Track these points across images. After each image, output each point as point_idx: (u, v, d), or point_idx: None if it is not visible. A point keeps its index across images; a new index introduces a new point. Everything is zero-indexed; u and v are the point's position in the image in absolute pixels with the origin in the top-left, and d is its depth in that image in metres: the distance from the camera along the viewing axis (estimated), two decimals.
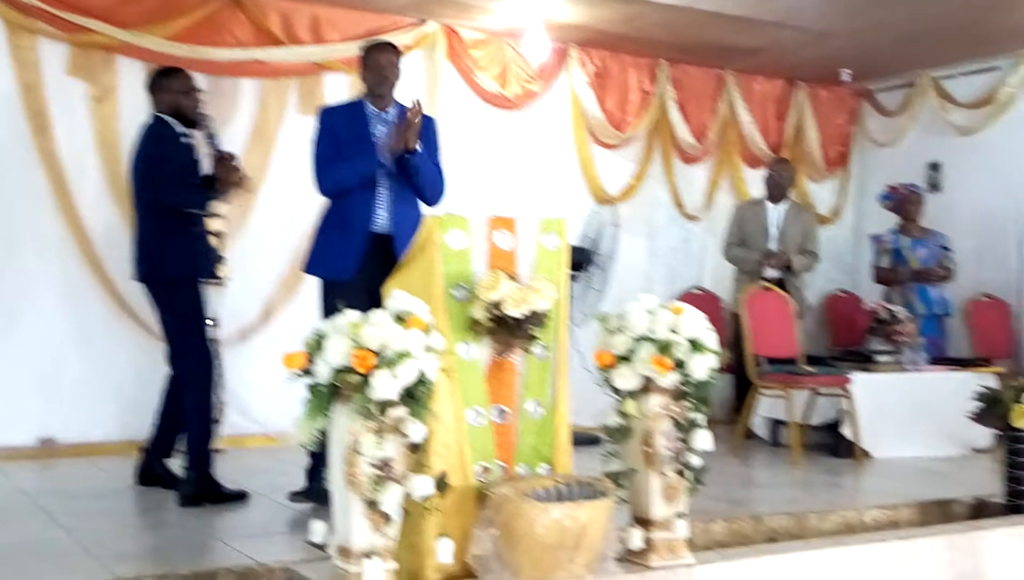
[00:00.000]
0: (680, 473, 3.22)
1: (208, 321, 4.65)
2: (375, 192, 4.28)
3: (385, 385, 2.65)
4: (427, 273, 3.14)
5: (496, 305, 3.07)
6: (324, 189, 4.33)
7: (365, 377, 2.66)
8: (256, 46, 6.38)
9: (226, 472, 4.66)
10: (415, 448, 2.75)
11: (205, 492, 4.42)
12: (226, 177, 4.48)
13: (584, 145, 7.59)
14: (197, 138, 4.64)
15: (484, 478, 3.11)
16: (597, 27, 7.02)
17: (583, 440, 5.43)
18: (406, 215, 4.29)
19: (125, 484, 4.78)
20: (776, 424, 6.70)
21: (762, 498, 4.97)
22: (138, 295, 5.02)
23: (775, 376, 6.05)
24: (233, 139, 6.25)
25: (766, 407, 6.52)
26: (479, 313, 3.10)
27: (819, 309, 8.18)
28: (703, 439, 3.25)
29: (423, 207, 4.41)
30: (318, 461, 4.02)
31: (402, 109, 4.38)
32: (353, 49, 5.40)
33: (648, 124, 7.80)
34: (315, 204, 4.48)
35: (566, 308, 3.36)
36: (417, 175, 4.27)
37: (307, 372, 2.75)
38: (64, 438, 5.73)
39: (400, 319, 2.75)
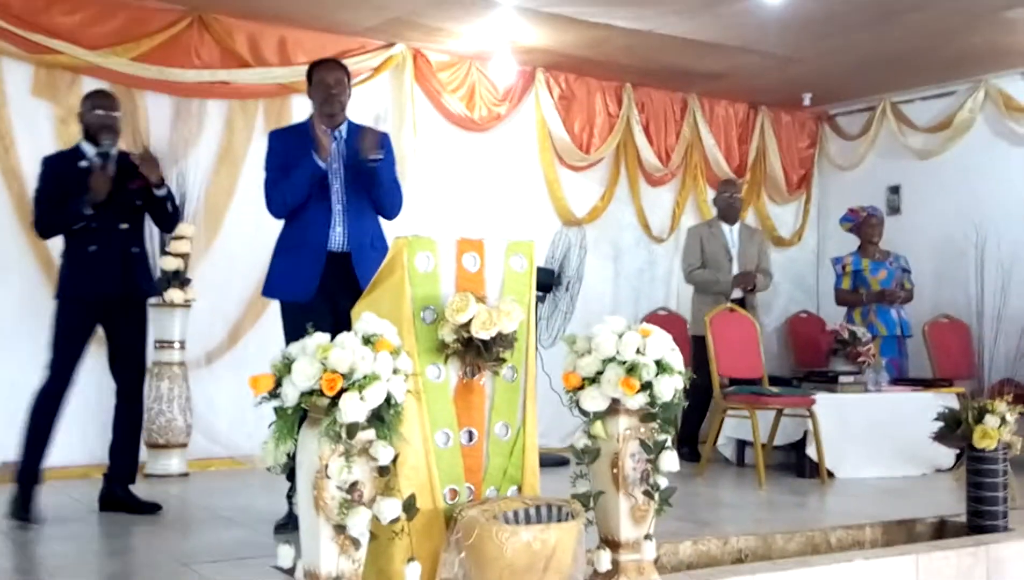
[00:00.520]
0: (648, 494, 3.23)
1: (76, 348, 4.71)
2: (329, 210, 4.25)
3: (353, 408, 2.64)
4: (395, 295, 3.14)
5: (465, 327, 3.07)
6: (273, 209, 4.32)
7: (333, 400, 2.65)
8: (223, 67, 6.37)
9: (192, 495, 4.61)
10: (383, 471, 2.74)
11: (15, 512, 4.44)
12: (93, 184, 4.51)
13: (551, 167, 7.63)
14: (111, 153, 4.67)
15: (453, 501, 3.11)
16: (563, 51, 7.07)
17: (551, 462, 5.46)
18: (362, 230, 4.28)
19: (89, 508, 4.71)
20: (741, 444, 6.75)
21: (729, 518, 4.99)
22: None
23: (740, 397, 6.09)
24: (200, 161, 6.24)
25: (731, 427, 6.56)
26: (448, 335, 3.10)
27: (782, 330, 8.26)
28: (670, 460, 3.26)
29: (383, 223, 4.42)
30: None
31: (352, 126, 4.38)
32: None
33: (614, 146, 7.87)
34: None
35: (534, 330, 3.38)
36: (380, 186, 4.27)
37: (274, 395, 2.74)
38: None
39: (368, 341, 2.75)
